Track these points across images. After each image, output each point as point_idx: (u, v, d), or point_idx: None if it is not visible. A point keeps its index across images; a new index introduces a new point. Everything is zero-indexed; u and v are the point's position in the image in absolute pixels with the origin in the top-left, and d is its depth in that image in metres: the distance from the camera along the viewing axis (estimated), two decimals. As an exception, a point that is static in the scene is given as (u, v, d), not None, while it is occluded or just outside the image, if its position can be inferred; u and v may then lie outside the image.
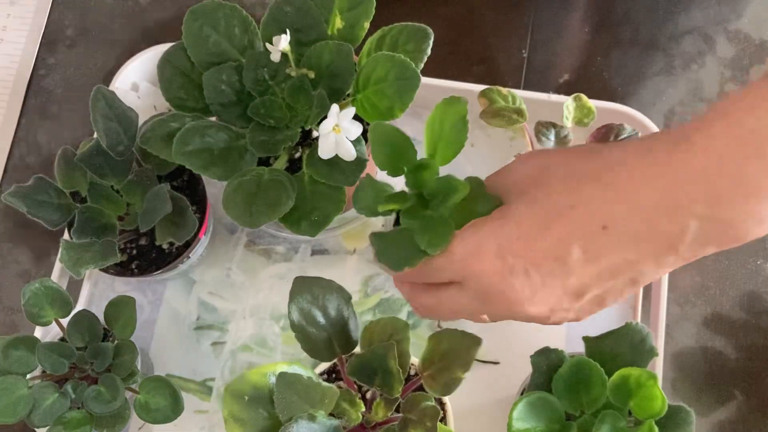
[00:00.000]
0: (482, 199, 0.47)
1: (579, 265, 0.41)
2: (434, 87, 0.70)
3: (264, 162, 0.57)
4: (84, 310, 0.59)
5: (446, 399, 0.54)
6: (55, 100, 0.79)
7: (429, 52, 0.52)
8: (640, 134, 0.58)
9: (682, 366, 0.69)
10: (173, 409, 0.57)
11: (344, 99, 0.54)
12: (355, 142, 0.50)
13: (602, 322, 0.58)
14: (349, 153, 0.50)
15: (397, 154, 0.47)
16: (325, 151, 0.50)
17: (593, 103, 0.62)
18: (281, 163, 0.55)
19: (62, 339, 0.59)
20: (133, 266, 0.63)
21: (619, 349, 0.49)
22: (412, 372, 0.53)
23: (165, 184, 0.58)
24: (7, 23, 0.82)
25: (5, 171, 0.77)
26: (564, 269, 0.41)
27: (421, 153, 0.48)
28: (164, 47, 0.56)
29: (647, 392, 0.46)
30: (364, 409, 0.47)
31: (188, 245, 0.63)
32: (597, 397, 0.48)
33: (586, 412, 0.48)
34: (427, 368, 0.45)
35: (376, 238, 0.48)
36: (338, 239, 0.71)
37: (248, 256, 0.71)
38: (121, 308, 0.59)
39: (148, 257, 0.63)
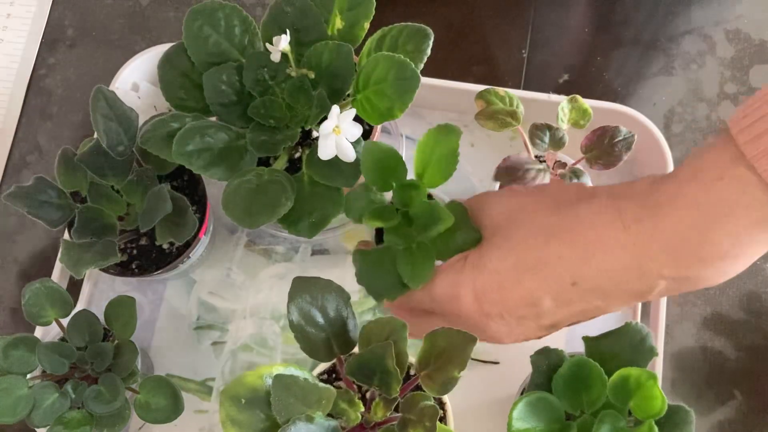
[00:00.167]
0: (464, 229, 0.49)
1: (551, 311, 0.45)
2: (434, 87, 0.70)
3: (264, 162, 0.57)
4: (84, 310, 0.59)
5: (446, 398, 0.54)
6: (55, 100, 0.79)
7: (429, 52, 0.52)
8: (636, 136, 0.58)
9: (681, 366, 0.69)
10: (173, 409, 0.57)
11: (344, 99, 0.54)
12: (355, 144, 0.50)
13: (602, 322, 0.58)
14: (348, 154, 0.50)
15: (387, 169, 0.49)
16: (324, 153, 0.50)
17: (592, 104, 0.62)
18: (281, 164, 0.55)
19: (62, 339, 0.59)
20: (134, 266, 0.63)
21: (618, 349, 0.49)
22: (411, 372, 0.53)
23: (165, 184, 0.58)
24: (7, 23, 0.82)
25: (5, 171, 0.77)
26: (537, 313, 0.45)
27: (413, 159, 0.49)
28: (164, 47, 0.56)
29: (647, 392, 0.46)
30: (363, 409, 0.47)
31: (188, 245, 0.63)
32: (597, 397, 0.48)
33: (586, 412, 0.48)
34: (424, 368, 0.45)
35: (360, 255, 0.50)
36: (338, 239, 0.71)
37: (248, 256, 0.71)
38: (122, 308, 0.59)
39: (148, 257, 0.63)
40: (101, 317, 0.60)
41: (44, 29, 0.82)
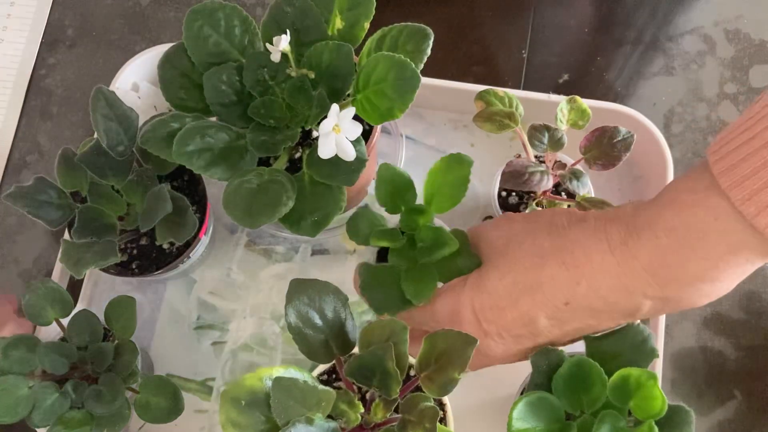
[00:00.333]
0: (465, 255, 0.52)
1: (546, 330, 0.47)
2: (434, 87, 0.70)
3: (264, 162, 0.57)
4: (84, 310, 0.59)
5: (446, 399, 0.54)
6: (55, 100, 0.79)
7: (429, 52, 0.52)
8: (635, 136, 0.58)
9: (681, 366, 0.69)
10: (174, 409, 0.57)
11: (344, 99, 0.54)
12: (355, 143, 0.50)
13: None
14: (348, 153, 0.50)
15: (397, 193, 0.52)
16: (325, 152, 0.50)
17: (592, 104, 0.62)
18: (281, 163, 0.55)
19: (62, 339, 0.59)
20: (134, 266, 0.63)
21: (619, 349, 0.49)
22: (411, 373, 0.53)
23: (165, 184, 0.58)
24: (8, 23, 0.82)
25: (5, 171, 0.77)
26: (533, 332, 0.48)
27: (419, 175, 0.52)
28: (164, 47, 0.56)
29: (647, 392, 0.46)
30: (362, 410, 0.47)
31: (188, 245, 0.63)
32: (597, 397, 0.48)
33: (586, 411, 0.48)
34: (424, 369, 0.45)
35: (364, 269, 0.52)
36: (338, 239, 0.71)
37: (248, 255, 0.71)
38: (122, 308, 0.59)
39: (148, 257, 0.63)
40: (101, 317, 0.60)
41: (44, 29, 0.82)
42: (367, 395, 0.48)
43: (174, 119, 0.53)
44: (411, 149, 0.73)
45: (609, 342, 0.49)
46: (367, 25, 0.54)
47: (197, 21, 0.53)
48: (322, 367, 0.56)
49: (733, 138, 0.40)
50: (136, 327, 0.58)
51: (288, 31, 0.52)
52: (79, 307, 0.67)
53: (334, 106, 0.49)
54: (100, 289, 0.71)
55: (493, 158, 0.73)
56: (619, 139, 0.58)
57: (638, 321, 0.51)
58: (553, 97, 0.69)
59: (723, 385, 0.68)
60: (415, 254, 0.52)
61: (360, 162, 0.51)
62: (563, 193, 0.65)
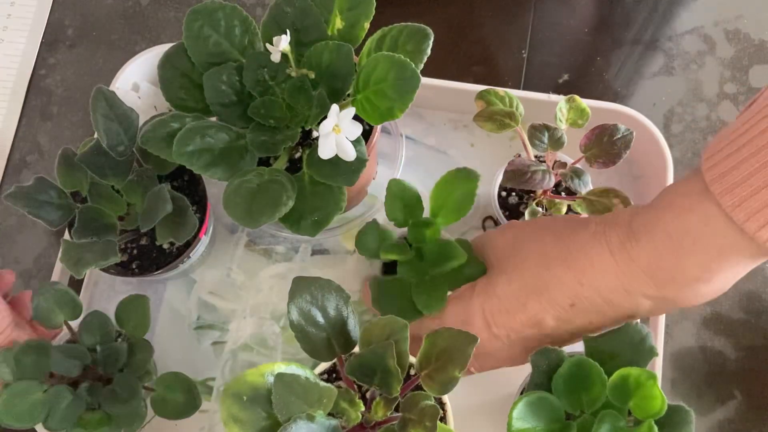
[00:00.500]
0: (471, 263, 0.54)
1: (553, 330, 0.50)
2: (434, 87, 0.70)
3: (264, 162, 0.57)
4: (96, 311, 0.59)
5: (446, 398, 0.54)
6: (55, 100, 0.79)
7: (429, 52, 0.52)
8: (635, 134, 0.58)
9: (681, 366, 0.69)
10: (191, 404, 0.57)
11: (344, 99, 0.54)
12: (355, 143, 0.50)
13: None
14: (349, 153, 0.50)
15: (406, 208, 0.54)
16: (325, 152, 0.50)
17: (592, 104, 0.62)
18: (281, 164, 0.55)
19: (69, 341, 0.59)
20: (134, 266, 0.63)
21: (618, 348, 0.49)
22: (412, 372, 0.53)
23: (165, 184, 0.58)
24: (8, 23, 0.82)
25: (5, 171, 0.77)
26: (540, 333, 0.50)
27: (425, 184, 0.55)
28: (164, 47, 0.56)
29: (647, 392, 0.46)
30: (363, 408, 0.47)
31: (189, 245, 0.63)
32: (597, 397, 0.48)
33: (585, 411, 0.48)
34: (424, 367, 0.45)
35: (375, 283, 0.54)
36: (338, 239, 0.71)
37: (248, 255, 0.71)
38: (134, 307, 0.59)
39: (148, 257, 0.63)
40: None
41: (44, 29, 0.82)
42: (368, 394, 0.49)
43: (174, 119, 0.53)
44: (411, 149, 0.73)
45: (608, 341, 0.49)
46: (367, 25, 0.54)
47: (197, 21, 0.53)
48: (323, 366, 0.56)
49: (725, 145, 0.42)
50: (149, 326, 0.58)
51: (288, 31, 0.52)
52: (79, 307, 0.67)
53: (334, 106, 0.49)
54: (100, 289, 0.71)
55: (493, 158, 0.73)
56: (619, 136, 0.58)
57: (637, 320, 0.51)
58: (553, 97, 0.69)
59: (723, 385, 0.68)
60: (424, 266, 0.54)
61: (360, 162, 0.51)
62: (563, 193, 0.65)
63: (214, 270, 0.71)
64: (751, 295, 0.71)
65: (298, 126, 0.54)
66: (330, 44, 0.52)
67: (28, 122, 0.79)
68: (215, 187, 0.68)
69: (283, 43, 0.51)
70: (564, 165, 0.64)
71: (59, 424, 0.55)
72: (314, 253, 0.71)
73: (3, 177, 0.77)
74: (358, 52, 0.54)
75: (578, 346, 0.52)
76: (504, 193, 0.66)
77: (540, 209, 0.62)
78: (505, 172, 0.57)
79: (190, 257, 0.65)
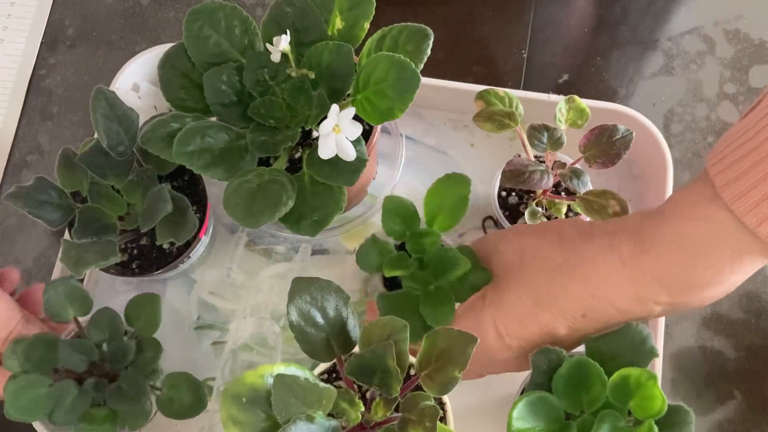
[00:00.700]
0: (476, 271, 0.54)
1: (564, 337, 0.50)
2: (434, 87, 0.70)
3: (264, 162, 0.57)
4: (105, 307, 0.59)
5: (446, 398, 0.54)
6: (55, 100, 0.79)
7: (429, 52, 0.52)
8: (634, 134, 0.58)
9: (681, 366, 0.69)
10: (197, 404, 0.57)
11: (344, 99, 0.54)
12: (355, 143, 0.50)
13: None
14: (349, 153, 0.50)
15: (403, 219, 0.54)
16: (325, 152, 0.50)
17: (592, 104, 0.62)
18: (281, 164, 0.55)
19: (77, 336, 0.59)
20: (134, 266, 0.63)
21: (619, 349, 0.49)
22: (412, 372, 0.53)
23: (165, 184, 0.58)
24: (8, 23, 0.82)
25: (5, 171, 0.77)
26: (552, 341, 0.50)
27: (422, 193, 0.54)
28: (164, 47, 0.56)
29: (647, 392, 0.46)
30: (363, 408, 0.47)
31: (189, 245, 0.63)
32: (597, 397, 0.48)
33: (585, 411, 0.48)
34: (424, 368, 0.45)
35: (381, 300, 0.54)
36: (338, 239, 0.71)
37: (248, 255, 0.71)
38: (145, 305, 0.59)
39: (148, 257, 0.63)
40: (102, 317, 0.60)
41: (44, 29, 0.82)
42: (368, 394, 0.49)
43: (174, 119, 0.53)
44: (411, 149, 0.73)
45: (609, 342, 0.49)
46: (367, 26, 0.54)
47: (197, 21, 0.53)
48: (322, 367, 0.56)
49: (733, 150, 0.42)
50: (159, 324, 0.59)
51: (288, 31, 0.52)
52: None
53: (334, 106, 0.49)
54: (100, 289, 0.71)
55: (492, 158, 0.73)
56: (618, 137, 0.58)
57: (637, 321, 0.51)
58: (553, 97, 0.69)
59: (723, 385, 0.68)
60: (427, 276, 0.54)
61: (360, 162, 0.51)
62: (563, 193, 0.65)
63: (214, 270, 0.71)
64: (750, 295, 0.71)
65: (298, 126, 0.54)
66: (330, 44, 0.52)
67: (28, 122, 0.79)
68: (215, 187, 0.68)
69: (283, 43, 0.51)
70: (563, 165, 0.64)
71: (64, 418, 0.55)
72: (314, 253, 0.71)
73: (3, 177, 0.77)
74: (358, 52, 0.54)
75: (578, 347, 0.52)
76: (504, 193, 0.66)
77: (540, 209, 0.62)
78: (504, 171, 0.57)
79: (190, 257, 0.65)
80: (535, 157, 0.64)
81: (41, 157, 0.77)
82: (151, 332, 0.59)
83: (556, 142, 0.59)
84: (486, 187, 0.71)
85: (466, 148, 0.74)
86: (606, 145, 0.58)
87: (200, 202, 0.64)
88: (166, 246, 0.63)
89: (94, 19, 0.82)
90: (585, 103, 0.60)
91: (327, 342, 0.47)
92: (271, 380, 0.43)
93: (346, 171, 0.51)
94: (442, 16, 0.81)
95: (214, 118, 0.54)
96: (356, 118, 0.50)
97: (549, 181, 0.57)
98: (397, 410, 0.47)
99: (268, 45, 0.52)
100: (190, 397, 0.57)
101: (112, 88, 0.71)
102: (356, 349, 0.48)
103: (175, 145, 0.51)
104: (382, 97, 0.50)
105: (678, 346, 0.69)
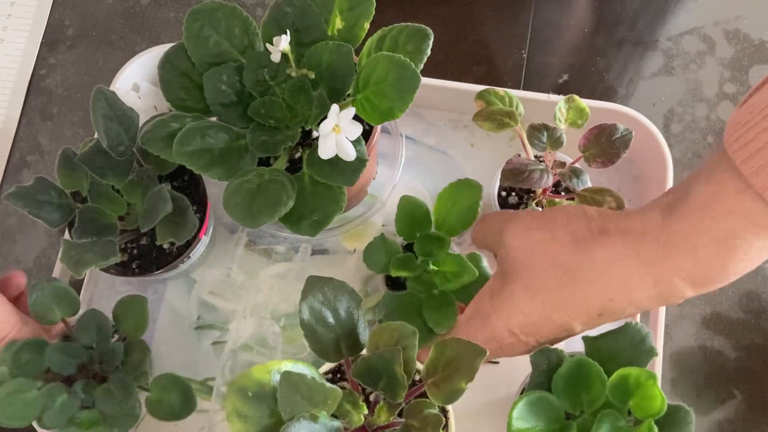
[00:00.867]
0: (482, 279, 0.53)
1: (580, 331, 0.50)
2: (434, 87, 0.70)
3: (264, 162, 0.57)
4: (92, 309, 0.59)
5: (449, 406, 0.54)
6: (55, 100, 0.79)
7: (429, 52, 0.52)
8: (634, 133, 0.58)
9: (681, 366, 0.69)
10: (186, 407, 0.57)
11: (344, 99, 0.54)
12: (355, 143, 0.50)
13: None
14: (349, 153, 0.50)
15: (415, 223, 0.55)
16: (325, 152, 0.50)
17: (592, 104, 0.62)
18: (281, 164, 0.55)
19: (65, 338, 0.59)
20: (134, 266, 0.63)
21: (618, 348, 0.49)
22: (417, 378, 0.53)
23: (165, 184, 0.58)
24: (8, 23, 0.82)
25: (5, 171, 0.77)
26: (569, 335, 0.50)
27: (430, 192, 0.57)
28: (164, 47, 0.56)
29: (647, 392, 0.46)
30: (366, 411, 0.47)
31: (189, 245, 0.63)
32: (596, 397, 0.48)
33: (585, 411, 0.48)
34: (431, 376, 0.45)
35: (389, 298, 0.55)
36: (338, 239, 0.71)
37: (249, 255, 0.71)
38: (132, 307, 0.59)
39: (148, 257, 0.63)
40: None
41: (44, 29, 0.82)
42: (372, 397, 0.48)
43: (174, 119, 0.53)
44: (411, 149, 0.73)
45: (608, 341, 0.50)
46: (367, 26, 0.54)
47: (197, 21, 0.53)
48: (326, 366, 0.56)
49: (755, 136, 0.40)
50: (147, 326, 0.58)
51: (288, 31, 0.52)
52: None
53: (334, 106, 0.49)
54: (100, 289, 0.71)
55: (492, 158, 0.73)
56: (618, 136, 0.58)
57: (637, 320, 0.51)
58: (553, 97, 0.69)
59: (723, 385, 0.68)
60: (432, 279, 0.54)
61: (360, 162, 0.51)
62: (563, 192, 0.65)
63: (214, 270, 0.71)
64: (750, 294, 0.71)
65: (298, 126, 0.54)
66: (330, 44, 0.52)
67: (28, 122, 0.79)
68: (215, 187, 0.68)
69: (283, 43, 0.51)
70: (563, 164, 0.64)
71: (53, 422, 0.54)
72: (314, 253, 0.71)
73: (3, 177, 0.77)
74: (358, 52, 0.54)
75: (579, 346, 0.52)
76: (504, 193, 0.66)
77: (539, 209, 0.62)
78: (503, 171, 0.57)
79: (190, 257, 0.65)
80: (535, 156, 0.64)
81: (41, 157, 0.77)
82: (139, 334, 0.58)
83: (555, 142, 0.59)
84: (486, 186, 0.70)
85: (466, 148, 0.74)
86: (605, 145, 0.58)
87: (200, 202, 0.64)
88: (166, 246, 0.63)
89: (94, 19, 0.82)
90: (585, 102, 0.60)
91: (336, 342, 0.47)
92: (278, 377, 0.43)
93: (346, 171, 0.51)
94: (442, 16, 0.81)
95: (214, 118, 0.54)
96: (356, 118, 0.50)
97: (549, 181, 0.57)
98: (400, 415, 0.47)
99: (268, 45, 0.52)
100: (178, 398, 0.57)
101: (112, 88, 0.71)
102: (364, 352, 0.48)
103: (175, 145, 0.51)
104: (382, 97, 0.50)
105: (678, 345, 0.69)
